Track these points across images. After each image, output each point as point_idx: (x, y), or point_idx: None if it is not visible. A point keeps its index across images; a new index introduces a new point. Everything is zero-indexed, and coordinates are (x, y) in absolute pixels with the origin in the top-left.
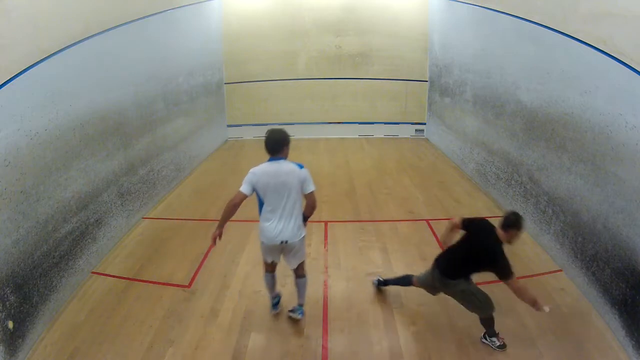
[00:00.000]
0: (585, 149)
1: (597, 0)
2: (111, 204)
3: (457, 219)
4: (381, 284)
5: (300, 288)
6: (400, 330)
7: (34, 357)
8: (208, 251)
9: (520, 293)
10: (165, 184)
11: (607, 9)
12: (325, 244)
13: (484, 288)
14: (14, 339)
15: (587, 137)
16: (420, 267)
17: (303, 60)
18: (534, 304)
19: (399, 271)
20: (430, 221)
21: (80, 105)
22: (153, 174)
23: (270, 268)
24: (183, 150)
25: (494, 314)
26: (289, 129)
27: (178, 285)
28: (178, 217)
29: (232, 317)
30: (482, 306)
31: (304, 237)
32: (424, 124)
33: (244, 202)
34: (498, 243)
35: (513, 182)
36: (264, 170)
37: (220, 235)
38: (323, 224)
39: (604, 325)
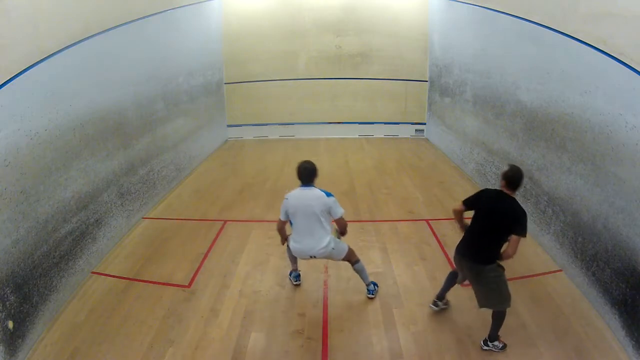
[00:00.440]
0: (585, 149)
1: (597, 0)
2: (111, 204)
3: (457, 205)
4: (440, 301)
5: (359, 273)
6: (400, 330)
7: (34, 357)
8: (208, 251)
9: (514, 250)
10: (165, 184)
11: (607, 9)
12: None
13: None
14: (14, 339)
15: (587, 137)
16: (420, 267)
17: (303, 60)
18: (509, 257)
19: (399, 271)
20: (430, 221)
21: (80, 105)
22: (153, 174)
23: None
24: (183, 150)
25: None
26: (289, 129)
27: (178, 285)
28: (178, 217)
29: (232, 317)
30: (505, 298)
31: (332, 248)
32: (424, 124)
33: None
34: (513, 201)
35: None
36: (296, 195)
37: (284, 240)
38: None
39: (604, 325)
